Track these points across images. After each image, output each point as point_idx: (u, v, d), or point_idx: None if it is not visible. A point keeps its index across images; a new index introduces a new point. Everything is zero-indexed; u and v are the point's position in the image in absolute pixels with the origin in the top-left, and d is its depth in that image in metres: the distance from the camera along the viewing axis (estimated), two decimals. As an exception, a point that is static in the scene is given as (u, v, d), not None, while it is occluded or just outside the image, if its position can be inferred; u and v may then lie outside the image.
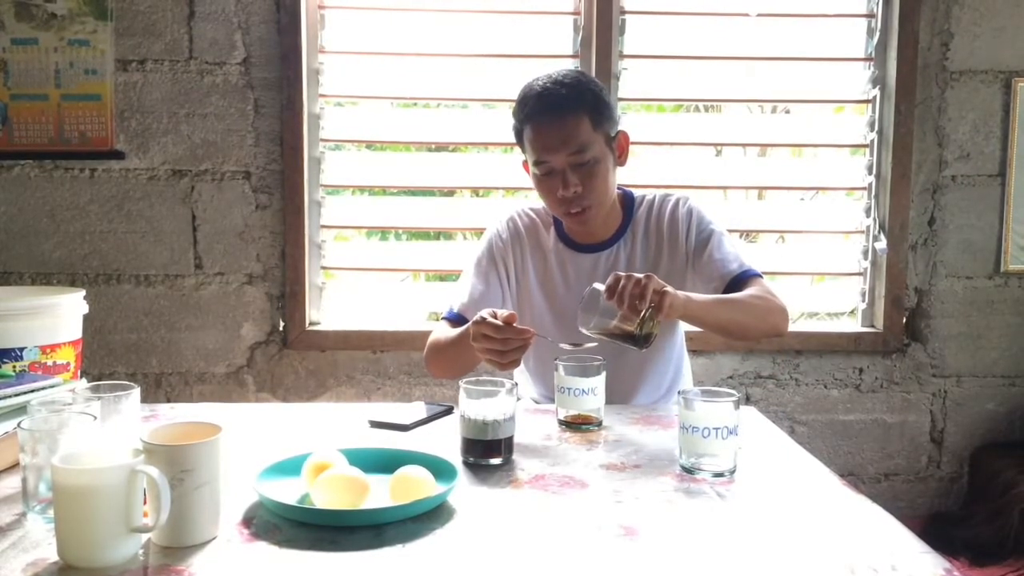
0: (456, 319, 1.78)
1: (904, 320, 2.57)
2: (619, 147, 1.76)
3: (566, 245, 1.82)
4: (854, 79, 2.58)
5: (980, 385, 2.60)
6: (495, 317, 1.42)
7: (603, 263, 1.79)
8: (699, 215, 1.81)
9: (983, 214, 2.54)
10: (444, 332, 1.75)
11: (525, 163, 1.78)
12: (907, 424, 2.60)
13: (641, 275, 1.39)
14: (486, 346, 1.41)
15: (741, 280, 1.73)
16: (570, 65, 2.50)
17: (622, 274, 1.39)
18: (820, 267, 2.71)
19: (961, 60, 2.50)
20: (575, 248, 1.81)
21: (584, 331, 1.42)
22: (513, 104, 1.76)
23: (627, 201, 1.85)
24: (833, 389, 2.59)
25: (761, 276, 1.75)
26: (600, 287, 1.40)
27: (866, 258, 2.60)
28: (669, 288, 1.42)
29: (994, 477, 2.46)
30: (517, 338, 1.39)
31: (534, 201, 1.86)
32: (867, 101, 2.57)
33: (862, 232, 2.60)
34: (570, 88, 1.68)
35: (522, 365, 1.91)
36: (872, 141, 2.56)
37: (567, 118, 1.66)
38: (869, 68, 2.55)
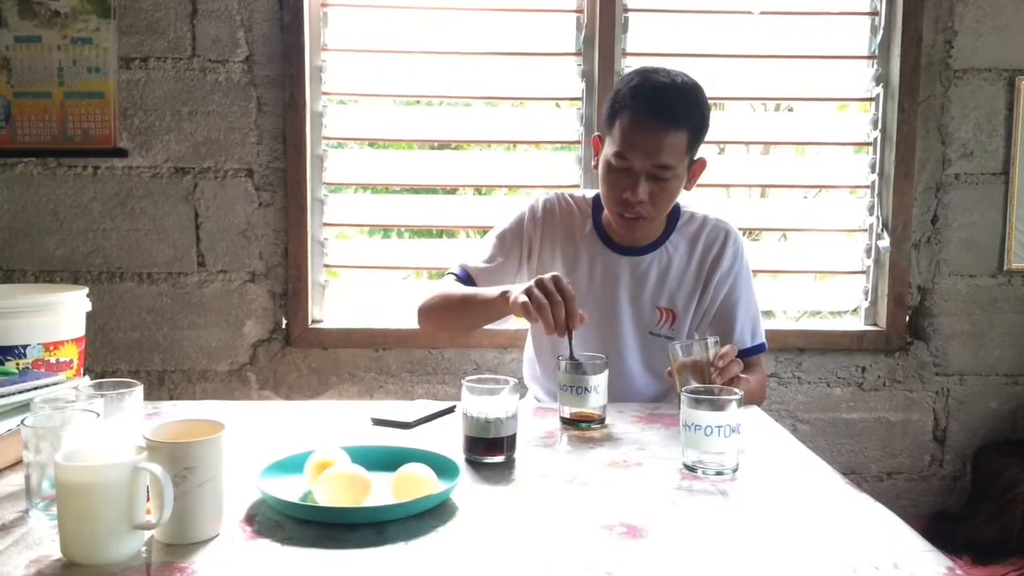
0: (465, 279, 1.78)
1: (907, 318, 2.56)
2: (693, 172, 1.72)
3: (601, 240, 1.79)
4: (857, 77, 2.58)
5: (983, 384, 2.59)
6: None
7: (633, 268, 1.78)
8: (743, 264, 1.81)
9: (986, 212, 2.54)
10: (454, 286, 1.75)
11: (597, 139, 1.74)
12: (910, 423, 2.60)
13: (740, 365, 1.49)
14: (542, 301, 1.42)
15: (749, 354, 1.77)
16: (573, 63, 2.50)
17: (734, 357, 1.48)
18: (823, 265, 2.70)
19: (965, 58, 2.49)
20: (609, 246, 1.79)
21: (672, 349, 1.50)
22: (618, 84, 1.69)
23: (672, 212, 1.80)
24: (836, 387, 2.58)
25: (765, 348, 1.84)
26: (712, 346, 1.48)
27: (869, 256, 2.60)
28: (743, 378, 1.52)
29: (997, 476, 2.46)
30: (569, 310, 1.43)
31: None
32: (870, 99, 2.57)
33: (865, 230, 2.60)
34: (687, 99, 1.63)
35: (535, 365, 1.91)
36: (875, 139, 2.56)
37: (670, 128, 1.61)
38: (872, 66, 2.55)
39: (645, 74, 1.66)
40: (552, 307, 1.42)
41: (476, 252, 1.83)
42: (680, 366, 1.47)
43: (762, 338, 1.83)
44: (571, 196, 1.86)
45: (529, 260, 1.82)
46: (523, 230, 1.82)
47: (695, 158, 1.70)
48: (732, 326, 1.79)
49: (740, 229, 2.73)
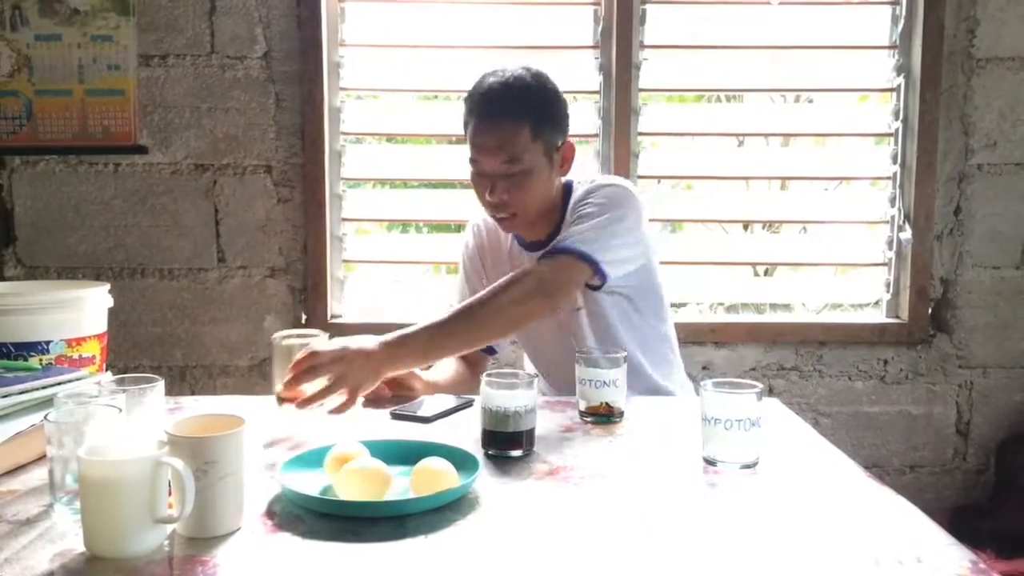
0: None
1: (929, 311, 2.54)
2: (563, 157, 1.71)
3: (520, 244, 1.82)
4: (878, 67, 2.55)
5: (1007, 376, 2.56)
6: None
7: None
8: (593, 193, 1.69)
9: (1010, 203, 2.51)
10: None
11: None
12: (933, 416, 2.57)
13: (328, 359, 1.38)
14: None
15: (549, 255, 1.64)
16: (592, 55, 2.49)
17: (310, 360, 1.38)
18: (844, 258, 2.68)
19: (987, 47, 2.46)
20: (525, 247, 1.80)
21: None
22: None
23: (567, 193, 1.77)
24: (857, 381, 2.57)
25: (576, 254, 1.60)
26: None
27: (891, 248, 2.57)
28: (366, 361, 1.42)
29: (1021, 469, 2.44)
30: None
31: None
32: (892, 89, 2.54)
33: (887, 222, 2.58)
34: (516, 92, 1.64)
35: (531, 364, 1.93)
36: (897, 130, 2.53)
37: (505, 125, 1.62)
38: (894, 56, 2.52)
39: (478, 82, 1.68)
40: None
41: (454, 294, 1.94)
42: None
43: (569, 242, 1.61)
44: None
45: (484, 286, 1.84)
46: (467, 265, 1.91)
47: (560, 143, 1.68)
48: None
49: (760, 221, 2.73)
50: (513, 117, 1.62)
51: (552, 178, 1.71)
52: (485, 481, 1.15)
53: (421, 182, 2.62)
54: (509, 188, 1.64)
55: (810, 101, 2.85)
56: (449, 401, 1.57)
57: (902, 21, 2.49)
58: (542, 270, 1.60)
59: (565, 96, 1.73)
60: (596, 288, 1.69)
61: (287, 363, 1.40)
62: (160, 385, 1.26)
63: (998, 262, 2.53)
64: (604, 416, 1.46)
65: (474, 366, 1.91)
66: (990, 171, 2.50)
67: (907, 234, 2.50)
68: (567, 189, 1.79)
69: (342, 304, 2.58)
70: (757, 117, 2.67)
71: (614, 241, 1.66)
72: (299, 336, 1.47)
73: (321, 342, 1.46)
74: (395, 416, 1.49)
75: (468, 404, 1.55)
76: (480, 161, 1.66)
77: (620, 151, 2.47)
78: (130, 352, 2.52)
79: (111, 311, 1.98)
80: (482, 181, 1.67)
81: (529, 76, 1.67)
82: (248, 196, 2.50)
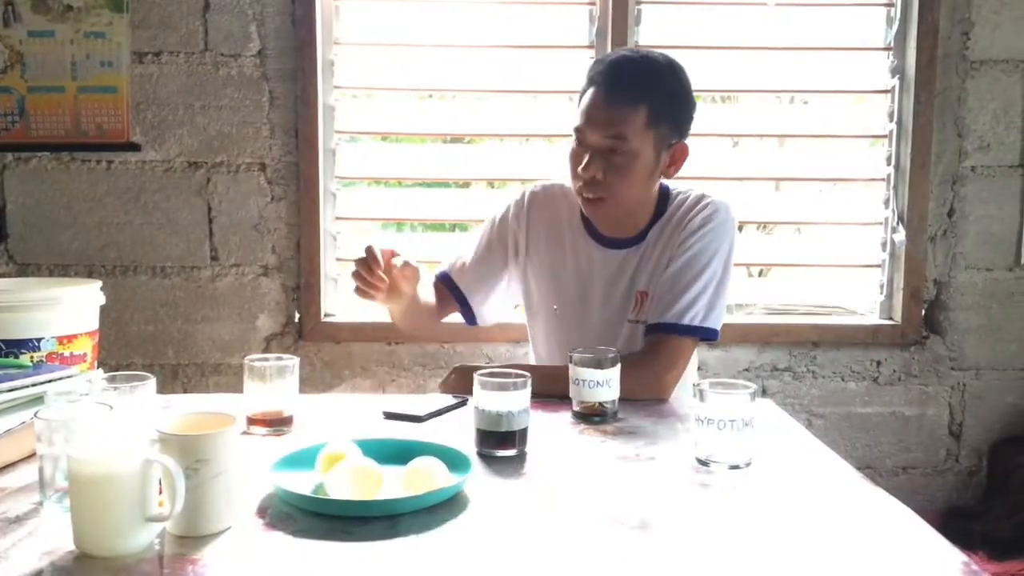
0: (443, 279, 1.86)
1: (923, 312, 2.54)
2: (672, 157, 1.64)
3: (588, 232, 1.75)
4: (873, 69, 2.55)
5: (999, 378, 2.57)
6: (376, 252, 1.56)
7: (615, 261, 1.72)
8: (708, 234, 1.65)
9: (1003, 205, 2.51)
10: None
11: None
12: (925, 417, 2.58)
13: None
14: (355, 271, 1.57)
15: (653, 330, 1.64)
16: (586, 55, 2.49)
17: None
18: (838, 259, 2.68)
19: (982, 49, 2.47)
20: (595, 238, 1.74)
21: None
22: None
23: (662, 197, 1.72)
24: (850, 382, 2.57)
25: (684, 336, 1.62)
26: None
27: (884, 250, 2.58)
28: None
29: (1013, 471, 2.44)
30: (368, 275, 1.55)
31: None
32: (886, 91, 2.54)
33: (880, 224, 2.58)
34: (645, 71, 1.58)
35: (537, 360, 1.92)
36: (891, 131, 2.54)
37: (623, 101, 1.55)
38: (888, 58, 2.52)
39: (615, 52, 1.65)
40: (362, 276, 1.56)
41: (459, 251, 1.88)
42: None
43: (686, 318, 1.61)
44: (564, 186, 1.80)
45: (517, 255, 1.81)
46: (507, 226, 1.82)
47: (672, 142, 1.62)
48: (659, 294, 1.64)
49: (754, 223, 2.72)
50: (634, 96, 1.55)
51: (654, 176, 1.64)
52: (477, 481, 1.15)
53: (415, 181, 2.61)
54: (606, 168, 1.57)
55: (805, 102, 2.85)
56: (442, 400, 1.57)
57: (897, 23, 2.50)
58: (651, 369, 1.59)
59: (695, 100, 1.66)
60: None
61: (258, 383, 1.38)
62: (151, 383, 1.25)
63: (991, 264, 2.54)
64: (597, 416, 1.46)
65: (442, 310, 1.90)
66: (983, 173, 2.51)
67: (900, 236, 2.51)
68: (662, 192, 1.73)
69: (335, 303, 2.58)
70: (752, 117, 2.67)
71: (723, 298, 1.67)
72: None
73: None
74: (388, 415, 1.49)
75: (461, 403, 1.55)
76: (585, 132, 1.59)
77: (615, 151, 2.47)
78: (122, 350, 2.51)
79: (103, 309, 1.97)
80: (580, 152, 1.60)
81: (664, 61, 1.61)
82: (241, 194, 2.49)
